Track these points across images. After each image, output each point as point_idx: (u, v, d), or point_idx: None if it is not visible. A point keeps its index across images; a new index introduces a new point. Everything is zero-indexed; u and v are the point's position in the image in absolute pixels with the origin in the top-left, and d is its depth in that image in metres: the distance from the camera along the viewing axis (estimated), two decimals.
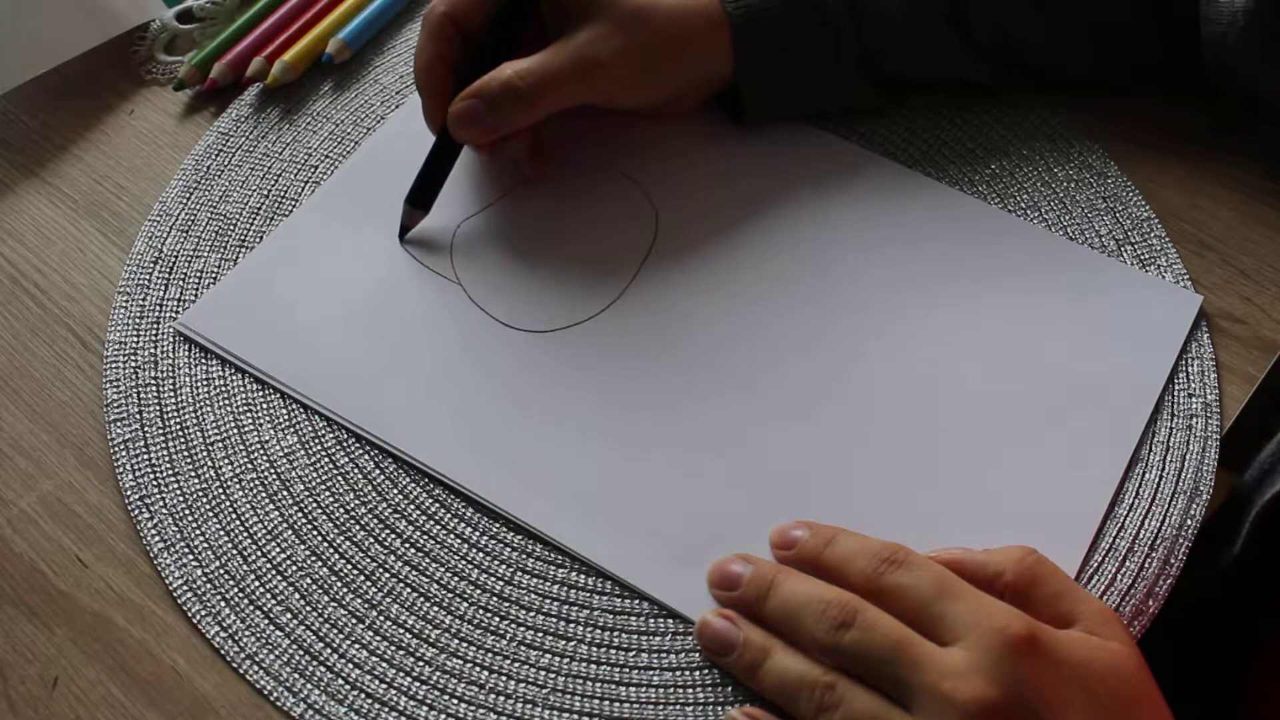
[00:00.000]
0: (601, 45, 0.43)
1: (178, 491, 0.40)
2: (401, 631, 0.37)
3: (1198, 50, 0.47)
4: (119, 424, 0.41)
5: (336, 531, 0.39)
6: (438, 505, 0.39)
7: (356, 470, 0.40)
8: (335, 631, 0.37)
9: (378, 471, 0.40)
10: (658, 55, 0.44)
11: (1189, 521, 0.39)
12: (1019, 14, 0.47)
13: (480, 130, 0.43)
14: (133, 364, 0.43)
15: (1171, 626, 0.37)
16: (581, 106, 0.45)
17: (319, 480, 0.40)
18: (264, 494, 0.40)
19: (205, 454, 0.41)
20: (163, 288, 0.45)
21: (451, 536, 0.39)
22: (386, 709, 0.35)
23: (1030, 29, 0.47)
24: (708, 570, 0.37)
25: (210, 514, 0.39)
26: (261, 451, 0.41)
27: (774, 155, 0.48)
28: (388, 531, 0.39)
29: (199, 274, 0.45)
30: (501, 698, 0.36)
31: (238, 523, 0.39)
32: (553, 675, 0.36)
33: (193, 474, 0.40)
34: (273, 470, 0.40)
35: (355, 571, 0.38)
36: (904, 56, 0.47)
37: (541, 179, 0.47)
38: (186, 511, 0.39)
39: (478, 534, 0.39)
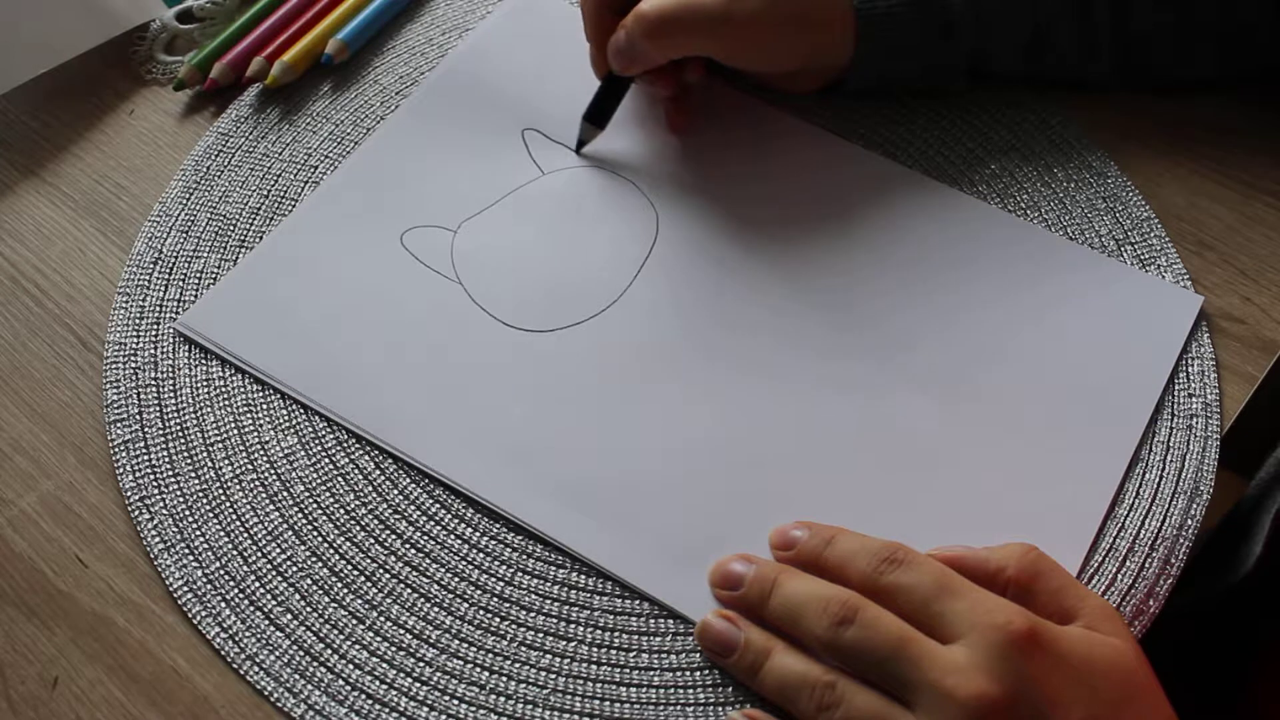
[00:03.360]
0: (739, 3, 0.44)
1: (178, 492, 0.40)
2: (402, 632, 0.37)
3: None
4: (119, 424, 0.41)
5: (337, 532, 0.39)
6: (438, 506, 0.39)
7: (356, 471, 0.40)
8: (335, 632, 0.37)
9: (378, 472, 0.40)
10: (788, 28, 0.45)
11: (1189, 521, 0.39)
12: (1145, 12, 0.47)
13: (622, 59, 0.46)
14: (133, 364, 0.43)
15: (1181, 626, 0.37)
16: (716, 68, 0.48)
17: (319, 481, 0.40)
18: (264, 495, 0.40)
19: (205, 454, 0.41)
20: (163, 288, 0.45)
21: (452, 537, 0.39)
22: (387, 709, 0.35)
23: (1156, 27, 0.47)
24: (709, 570, 0.37)
25: (210, 514, 0.39)
26: (262, 452, 0.41)
27: (774, 155, 0.48)
28: (388, 532, 0.39)
29: (199, 274, 0.45)
30: (502, 698, 0.36)
31: (238, 523, 0.39)
32: (553, 676, 0.36)
33: (193, 474, 0.40)
34: (273, 471, 0.40)
35: (355, 572, 0.38)
36: (1014, 55, 0.48)
37: (678, 130, 0.49)
38: (186, 512, 0.39)
39: (478, 534, 0.39)
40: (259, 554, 0.38)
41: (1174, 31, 0.47)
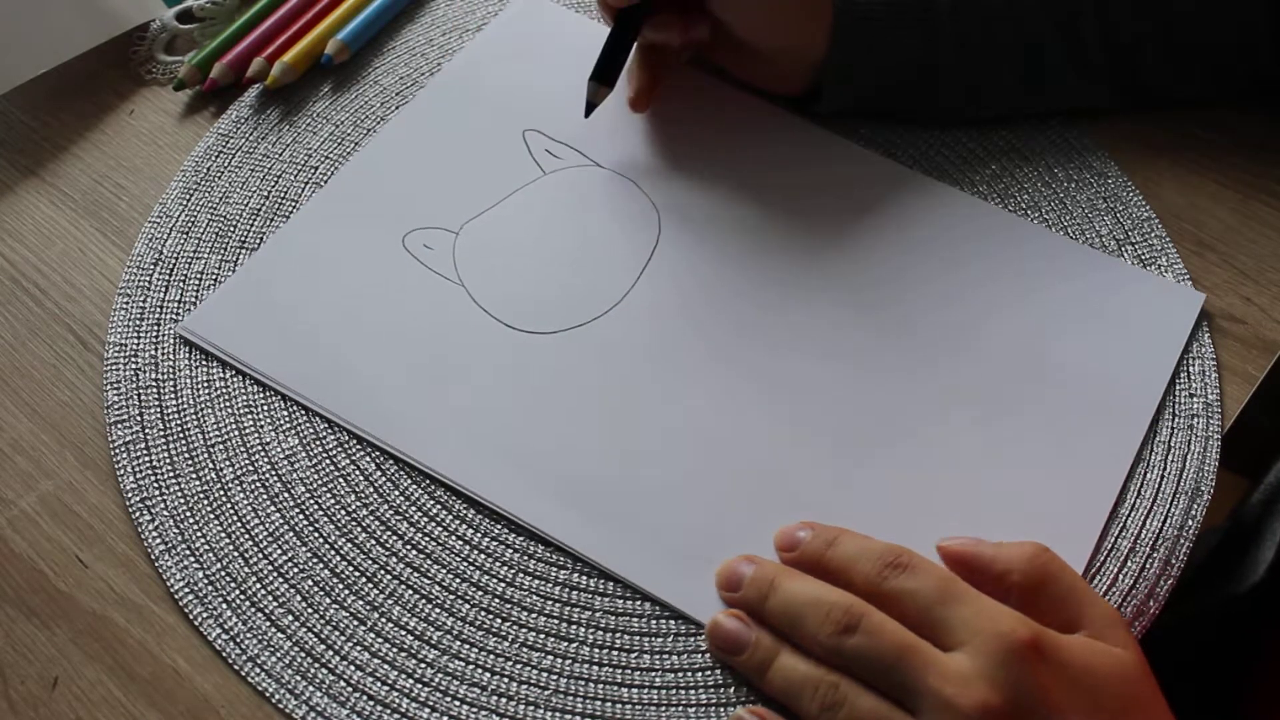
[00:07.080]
0: None
1: (179, 493, 0.40)
2: (403, 633, 0.37)
3: None
4: (120, 426, 0.41)
5: (338, 533, 0.39)
6: (439, 507, 0.39)
7: (358, 472, 0.40)
8: (336, 633, 0.37)
9: (379, 473, 0.40)
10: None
11: (1190, 522, 0.39)
12: (1126, 23, 0.46)
13: None
14: (133, 365, 0.43)
15: (1184, 636, 0.37)
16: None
17: (320, 482, 0.40)
18: (265, 496, 0.40)
19: (206, 456, 0.41)
20: (163, 289, 0.45)
21: (453, 538, 0.39)
22: (388, 710, 0.35)
23: (1137, 39, 0.46)
24: (716, 571, 0.37)
25: (211, 516, 0.39)
26: (263, 453, 0.41)
27: (776, 155, 0.48)
28: (389, 533, 0.39)
29: (199, 275, 0.45)
30: (503, 699, 0.36)
31: (239, 524, 0.39)
32: (554, 676, 0.36)
33: (193, 476, 0.40)
34: (274, 472, 0.40)
35: (356, 573, 0.38)
36: (1011, 83, 0.47)
37: (638, 108, 0.48)
38: (187, 513, 0.39)
39: (479, 535, 0.39)
40: (260, 555, 0.38)
41: (1160, 45, 0.46)
